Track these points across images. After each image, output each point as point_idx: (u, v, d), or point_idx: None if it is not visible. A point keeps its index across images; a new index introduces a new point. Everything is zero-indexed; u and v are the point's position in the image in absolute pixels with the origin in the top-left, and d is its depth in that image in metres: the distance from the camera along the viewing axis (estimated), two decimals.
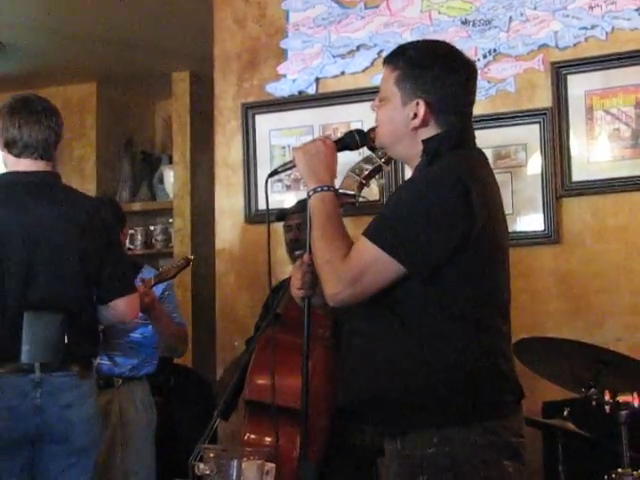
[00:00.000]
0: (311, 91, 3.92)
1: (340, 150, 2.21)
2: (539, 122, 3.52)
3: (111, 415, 3.47)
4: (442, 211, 1.96)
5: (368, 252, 1.98)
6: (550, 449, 3.03)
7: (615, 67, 3.45)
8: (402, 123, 2.09)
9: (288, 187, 3.90)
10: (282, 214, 3.42)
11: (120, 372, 3.52)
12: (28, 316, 2.76)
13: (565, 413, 2.86)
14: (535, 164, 3.54)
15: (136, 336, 3.54)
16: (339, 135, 2.30)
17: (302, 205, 2.89)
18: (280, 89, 3.96)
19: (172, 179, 5.72)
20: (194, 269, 5.22)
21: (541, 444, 3.19)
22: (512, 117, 3.57)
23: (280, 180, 3.86)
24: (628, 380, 2.71)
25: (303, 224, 2.57)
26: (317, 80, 3.91)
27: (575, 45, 3.51)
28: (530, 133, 3.54)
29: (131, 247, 5.62)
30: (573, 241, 3.49)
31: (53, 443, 2.78)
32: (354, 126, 3.42)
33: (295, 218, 3.31)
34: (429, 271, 1.97)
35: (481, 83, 3.52)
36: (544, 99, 3.55)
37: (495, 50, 3.62)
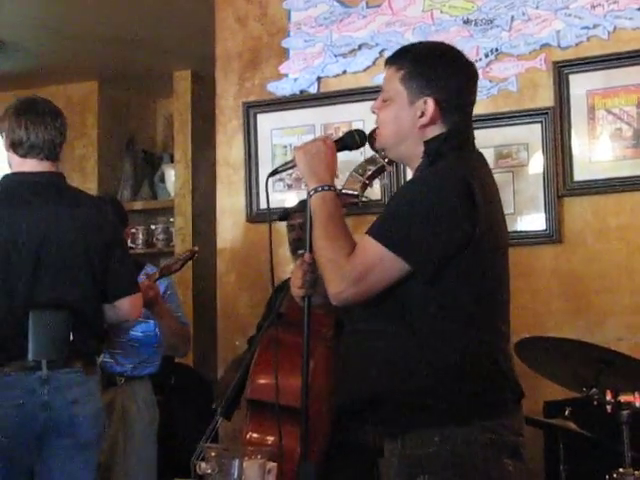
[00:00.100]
0: (313, 90, 3.91)
1: (340, 150, 2.21)
2: (541, 122, 3.51)
3: (113, 413, 3.47)
4: (446, 211, 1.96)
5: (373, 250, 1.98)
6: (551, 449, 3.03)
7: (617, 67, 3.44)
8: (409, 122, 2.09)
9: (289, 186, 3.90)
10: (285, 213, 3.42)
11: (122, 371, 3.52)
12: (34, 314, 2.79)
13: (566, 413, 2.87)
14: (537, 163, 3.53)
15: (137, 334, 3.54)
16: (340, 134, 2.31)
17: (305, 204, 2.88)
18: (282, 88, 3.95)
19: (173, 178, 5.72)
20: (195, 268, 5.22)
21: (542, 444, 3.19)
22: (514, 116, 3.56)
23: (281, 179, 3.86)
24: (629, 380, 2.71)
25: (306, 223, 2.57)
26: (319, 79, 3.90)
27: (577, 44, 3.50)
28: (532, 133, 3.53)
29: (132, 246, 5.60)
30: (575, 241, 3.48)
31: (59, 438, 2.81)
32: (356, 125, 3.45)
33: (298, 217, 3.31)
34: (433, 269, 1.97)
35: (483, 82, 3.52)
36: (546, 98, 3.54)
37: (497, 49, 3.61)
